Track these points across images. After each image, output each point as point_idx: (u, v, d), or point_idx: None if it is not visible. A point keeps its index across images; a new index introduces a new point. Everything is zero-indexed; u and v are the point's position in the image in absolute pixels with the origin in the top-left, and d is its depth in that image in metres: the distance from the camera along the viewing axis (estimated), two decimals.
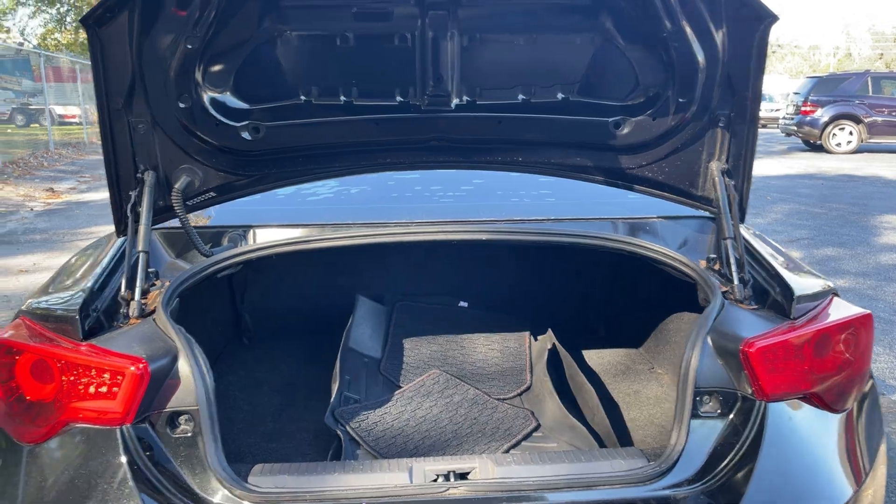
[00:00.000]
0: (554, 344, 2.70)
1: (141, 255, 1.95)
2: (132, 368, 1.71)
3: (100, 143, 2.04)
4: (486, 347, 2.90)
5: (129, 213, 2.01)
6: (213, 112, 2.05)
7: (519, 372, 2.77)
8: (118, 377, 1.73)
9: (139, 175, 2.03)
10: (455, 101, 2.13)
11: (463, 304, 3.16)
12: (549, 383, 2.50)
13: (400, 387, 2.64)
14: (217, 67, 2.02)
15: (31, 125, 21.88)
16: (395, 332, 2.93)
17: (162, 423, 1.75)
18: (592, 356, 2.90)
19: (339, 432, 2.21)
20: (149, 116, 1.99)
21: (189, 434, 1.75)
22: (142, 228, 1.97)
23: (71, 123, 22.57)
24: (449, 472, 1.78)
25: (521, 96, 2.16)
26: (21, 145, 16.75)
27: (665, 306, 2.73)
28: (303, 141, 2.19)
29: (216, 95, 2.05)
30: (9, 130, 18.82)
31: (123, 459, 1.68)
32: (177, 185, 2.08)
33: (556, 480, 1.76)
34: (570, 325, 2.97)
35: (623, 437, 2.31)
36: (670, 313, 2.71)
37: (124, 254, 2.10)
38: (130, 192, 2.03)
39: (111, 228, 2.14)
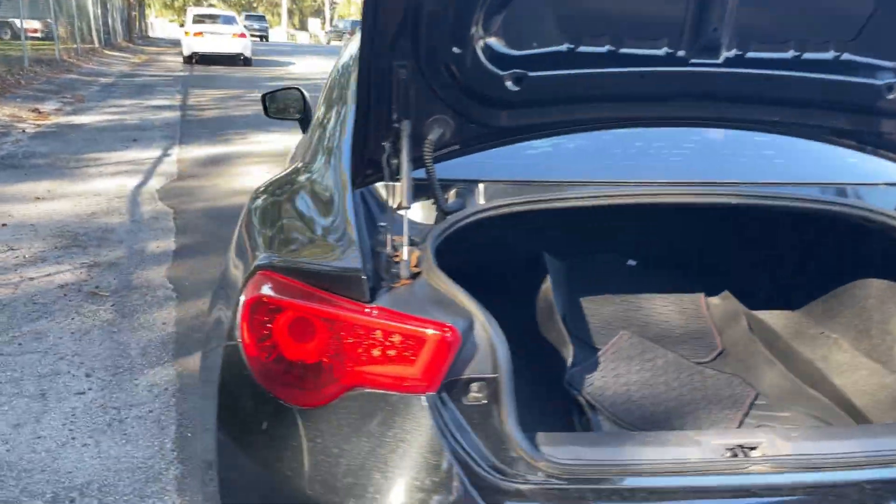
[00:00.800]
0: (738, 307, 2.61)
1: (405, 211, 1.77)
2: (441, 334, 1.56)
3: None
4: (665, 308, 2.80)
5: (385, 164, 1.82)
6: (482, 59, 1.84)
7: (705, 335, 2.68)
8: (415, 341, 1.58)
9: (395, 124, 1.83)
10: (724, 55, 1.97)
11: (631, 262, 3.04)
12: (763, 349, 2.42)
13: (595, 348, 2.53)
14: (494, 9, 1.80)
15: None
16: (573, 290, 2.80)
17: (458, 390, 1.61)
18: (754, 318, 2.81)
19: (579, 398, 2.10)
20: (414, 60, 1.76)
21: (484, 402, 1.62)
22: (405, 182, 1.78)
23: (33, 38, 21.32)
24: (735, 446, 1.70)
25: (792, 52, 2.00)
26: None
27: (848, 271, 2.64)
28: (563, 92, 1.99)
29: (489, 41, 1.83)
30: None
31: (433, 429, 1.54)
32: (430, 136, 1.88)
33: (853, 457, 1.70)
34: (729, 285, 2.87)
35: (848, 408, 2.24)
36: (854, 278, 2.63)
37: (360, 207, 1.91)
38: (384, 143, 1.82)
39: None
